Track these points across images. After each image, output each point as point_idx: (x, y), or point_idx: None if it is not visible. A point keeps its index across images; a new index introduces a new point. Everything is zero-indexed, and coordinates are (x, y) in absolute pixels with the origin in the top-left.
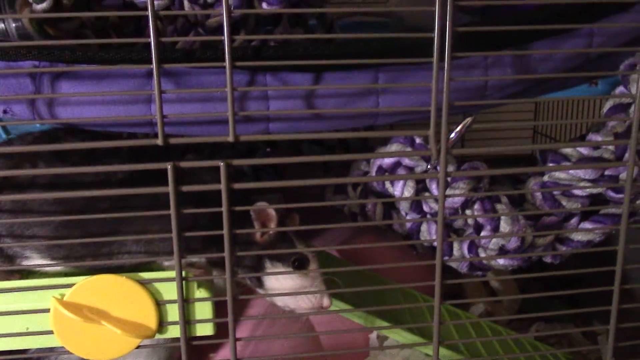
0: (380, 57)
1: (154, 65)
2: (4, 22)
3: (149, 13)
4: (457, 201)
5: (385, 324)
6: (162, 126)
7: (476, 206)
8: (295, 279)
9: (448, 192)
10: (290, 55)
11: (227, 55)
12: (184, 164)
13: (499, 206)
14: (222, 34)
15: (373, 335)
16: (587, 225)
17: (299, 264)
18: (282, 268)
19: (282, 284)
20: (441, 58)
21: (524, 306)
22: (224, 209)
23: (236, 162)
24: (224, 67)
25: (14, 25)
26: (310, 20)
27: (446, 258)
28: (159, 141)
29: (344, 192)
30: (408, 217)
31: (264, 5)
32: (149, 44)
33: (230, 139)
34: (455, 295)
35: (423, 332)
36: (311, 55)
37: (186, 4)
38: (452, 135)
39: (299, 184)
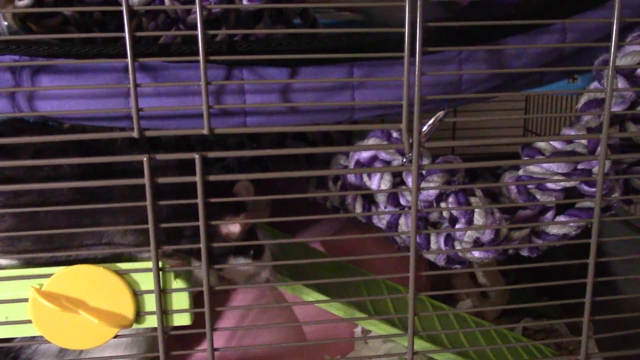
0: (355, 52)
1: (128, 59)
2: None
3: (124, 8)
4: (431, 194)
5: (363, 315)
6: (138, 119)
7: (450, 199)
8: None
9: (422, 185)
10: (265, 49)
11: (200, 50)
12: (160, 157)
13: (472, 199)
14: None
15: (358, 329)
16: (561, 218)
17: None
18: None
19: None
20: (412, 53)
21: (511, 303)
22: (199, 200)
23: (211, 154)
24: (195, 62)
25: (5, 24)
26: (294, 18)
27: (424, 251)
28: (135, 134)
29: (325, 187)
30: (387, 210)
31: (245, 1)
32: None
33: (205, 132)
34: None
35: (404, 324)
36: (286, 50)
37: (167, 1)
38: (425, 128)
39: (275, 176)
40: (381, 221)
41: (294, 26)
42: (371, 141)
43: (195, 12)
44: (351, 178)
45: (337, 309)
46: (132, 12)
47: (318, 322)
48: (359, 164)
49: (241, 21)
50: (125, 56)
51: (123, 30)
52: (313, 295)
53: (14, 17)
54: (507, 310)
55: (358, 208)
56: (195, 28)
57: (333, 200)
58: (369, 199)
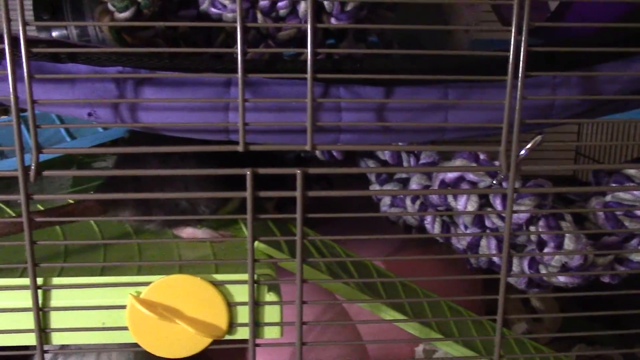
0: (450, 74)
1: (239, 75)
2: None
3: (238, 25)
4: (522, 217)
5: (439, 336)
6: (244, 133)
7: (541, 223)
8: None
9: (514, 208)
10: (366, 69)
11: (309, 68)
12: (262, 171)
13: (563, 224)
14: (292, 47)
15: (419, 348)
16: None
17: None
18: None
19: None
20: (514, 76)
21: (564, 327)
22: (298, 215)
23: (312, 170)
24: (302, 79)
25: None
26: (370, 36)
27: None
28: (240, 147)
29: (400, 204)
30: (468, 232)
31: (333, 20)
32: (218, 54)
33: (308, 148)
34: (494, 312)
35: (471, 346)
36: (386, 70)
37: (259, 16)
38: (523, 152)
39: (369, 194)
40: (460, 242)
41: (370, 44)
42: (458, 162)
43: (286, 29)
44: (433, 198)
45: (413, 328)
46: (245, 29)
47: (382, 341)
48: (444, 184)
49: (326, 38)
50: (233, 71)
51: (210, 44)
52: (390, 314)
53: (109, 28)
54: (559, 338)
55: (437, 228)
56: (285, 44)
57: (407, 219)
58: (448, 219)
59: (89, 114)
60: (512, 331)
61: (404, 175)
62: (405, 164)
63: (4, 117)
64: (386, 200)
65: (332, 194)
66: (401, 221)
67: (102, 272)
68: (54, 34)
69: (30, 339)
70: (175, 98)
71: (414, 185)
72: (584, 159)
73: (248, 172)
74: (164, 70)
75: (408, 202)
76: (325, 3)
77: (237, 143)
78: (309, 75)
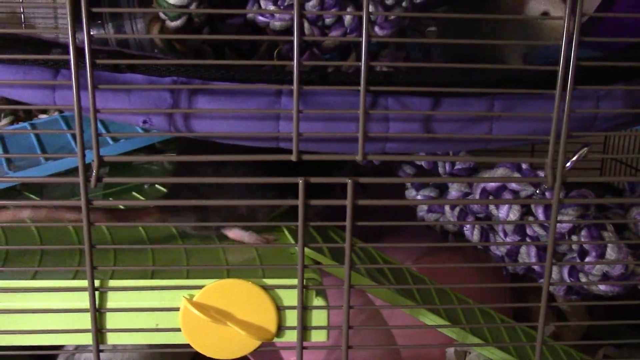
0: (498, 86)
1: (294, 87)
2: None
3: (295, 38)
4: (565, 227)
5: (477, 340)
6: (297, 143)
7: (583, 232)
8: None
9: (558, 217)
10: (414, 82)
11: (362, 81)
12: (314, 180)
13: (605, 234)
14: (336, 53)
15: (451, 350)
16: None
17: None
18: None
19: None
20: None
21: (591, 328)
22: (347, 223)
23: (362, 180)
24: (355, 90)
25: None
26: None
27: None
28: (293, 157)
29: (438, 210)
30: (508, 239)
31: (377, 29)
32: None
33: (359, 158)
34: (524, 315)
35: (505, 349)
36: (434, 82)
37: (306, 24)
38: (569, 164)
39: (411, 203)
40: (499, 248)
41: (411, 54)
42: (500, 171)
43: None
44: (474, 205)
45: (451, 331)
46: (303, 41)
47: (419, 346)
48: (485, 192)
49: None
50: (285, 82)
51: (255, 51)
52: (428, 316)
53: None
54: (585, 337)
55: (476, 235)
56: (328, 52)
57: (445, 225)
58: (488, 226)
59: (144, 122)
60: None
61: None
62: (440, 169)
63: (21, 123)
64: (423, 205)
65: (381, 203)
66: (438, 226)
67: (153, 275)
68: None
69: (85, 339)
70: (228, 108)
71: (453, 192)
72: (611, 161)
73: (300, 181)
74: (217, 80)
75: (447, 208)
76: (371, 10)
77: (287, 151)
78: (362, 88)
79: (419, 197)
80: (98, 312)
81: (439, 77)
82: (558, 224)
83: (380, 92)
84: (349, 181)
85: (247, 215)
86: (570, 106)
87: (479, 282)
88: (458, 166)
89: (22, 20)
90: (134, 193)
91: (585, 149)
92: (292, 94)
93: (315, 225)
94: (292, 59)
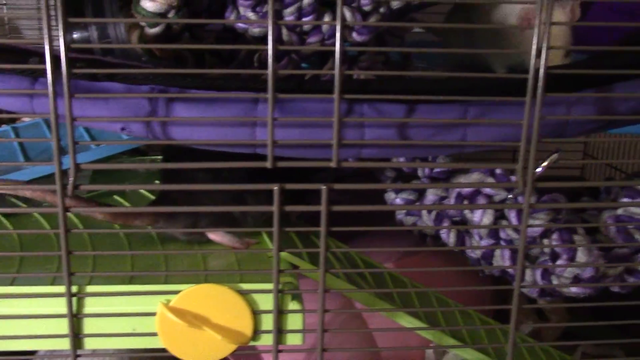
0: (470, 93)
1: (269, 95)
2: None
3: (269, 48)
4: (537, 231)
5: (453, 341)
6: (272, 150)
7: (554, 236)
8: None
9: (529, 222)
10: (388, 90)
11: (336, 88)
12: (289, 186)
13: (576, 237)
14: (315, 58)
15: (430, 351)
16: None
17: None
18: None
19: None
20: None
21: (571, 326)
22: (322, 229)
23: (337, 186)
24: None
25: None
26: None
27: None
28: (269, 164)
29: (416, 213)
30: (483, 243)
31: (354, 35)
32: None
33: (334, 164)
34: (503, 313)
35: (483, 351)
36: (407, 91)
37: (284, 31)
38: (539, 169)
39: (385, 209)
40: (475, 252)
41: (390, 58)
42: (474, 176)
43: (310, 44)
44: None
45: (431, 334)
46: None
47: (397, 348)
48: (460, 196)
49: (346, 53)
50: (262, 90)
51: (235, 57)
52: (405, 319)
53: (139, 41)
54: (565, 336)
55: (452, 238)
56: (307, 57)
57: (423, 229)
58: (465, 230)
59: (122, 129)
60: (519, 330)
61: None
62: (420, 172)
63: (4, 126)
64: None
65: (356, 209)
66: (416, 230)
67: (131, 280)
68: (75, 35)
69: (62, 344)
70: (206, 115)
71: (430, 196)
72: (590, 159)
73: (276, 188)
74: (195, 88)
75: (424, 211)
76: (348, 16)
77: (264, 157)
78: (336, 96)
79: (397, 200)
80: (75, 318)
81: (414, 85)
82: (529, 228)
83: (356, 99)
84: (323, 187)
85: (239, 218)
86: (541, 112)
87: (458, 282)
88: (437, 169)
89: (6, 23)
90: (115, 197)
91: (556, 155)
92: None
93: (295, 231)
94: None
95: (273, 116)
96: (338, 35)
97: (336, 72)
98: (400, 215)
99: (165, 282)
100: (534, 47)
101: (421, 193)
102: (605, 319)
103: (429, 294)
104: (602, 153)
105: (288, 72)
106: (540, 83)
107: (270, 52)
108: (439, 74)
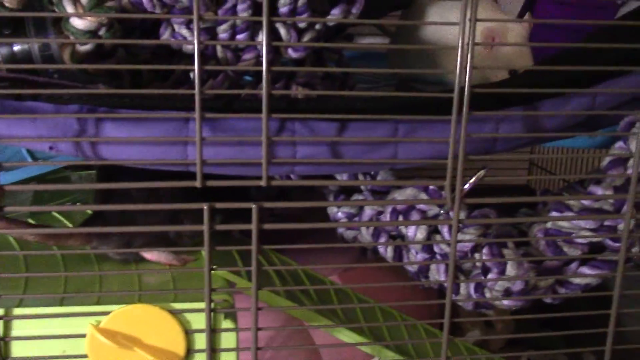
0: (401, 111)
1: (197, 115)
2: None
3: (195, 68)
4: (467, 245)
5: (391, 353)
6: (202, 170)
7: (484, 250)
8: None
9: (459, 236)
10: (320, 108)
11: (264, 108)
12: (219, 206)
13: (505, 251)
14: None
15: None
16: (585, 270)
17: None
18: None
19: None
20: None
21: (517, 332)
22: (253, 247)
23: (267, 204)
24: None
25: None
26: (329, 64)
27: (454, 296)
28: (197, 183)
29: (356, 227)
30: (418, 256)
31: (290, 52)
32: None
33: (263, 183)
34: (453, 324)
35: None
36: (340, 109)
37: (219, 47)
38: (467, 186)
39: (320, 226)
40: (412, 265)
41: (331, 75)
42: (408, 191)
43: (245, 60)
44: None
45: (369, 347)
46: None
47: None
48: (395, 211)
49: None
50: (192, 108)
51: (172, 72)
52: (346, 334)
53: (71, 58)
54: (511, 342)
55: (390, 252)
56: (243, 73)
57: (362, 241)
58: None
59: (50, 147)
60: (465, 338)
61: (360, 197)
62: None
63: None
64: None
65: (286, 227)
66: (357, 242)
67: (63, 301)
68: (16, 48)
69: None
70: (135, 134)
71: (367, 211)
72: (538, 169)
73: (205, 207)
74: (124, 107)
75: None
76: (282, 33)
77: (195, 175)
78: (264, 116)
79: (339, 214)
80: (3, 341)
81: (346, 103)
82: (460, 243)
83: (288, 118)
84: (253, 206)
85: (174, 238)
86: (467, 130)
87: (401, 292)
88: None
89: None
90: (54, 214)
91: (483, 171)
92: (202, 119)
93: (227, 249)
94: (207, 81)
95: (202, 135)
96: (265, 55)
97: (264, 92)
98: (341, 229)
99: (98, 303)
100: (458, 65)
101: (361, 207)
102: (550, 328)
103: (370, 301)
104: (549, 164)
105: (214, 91)
106: (465, 101)
107: (196, 72)
108: (372, 93)
